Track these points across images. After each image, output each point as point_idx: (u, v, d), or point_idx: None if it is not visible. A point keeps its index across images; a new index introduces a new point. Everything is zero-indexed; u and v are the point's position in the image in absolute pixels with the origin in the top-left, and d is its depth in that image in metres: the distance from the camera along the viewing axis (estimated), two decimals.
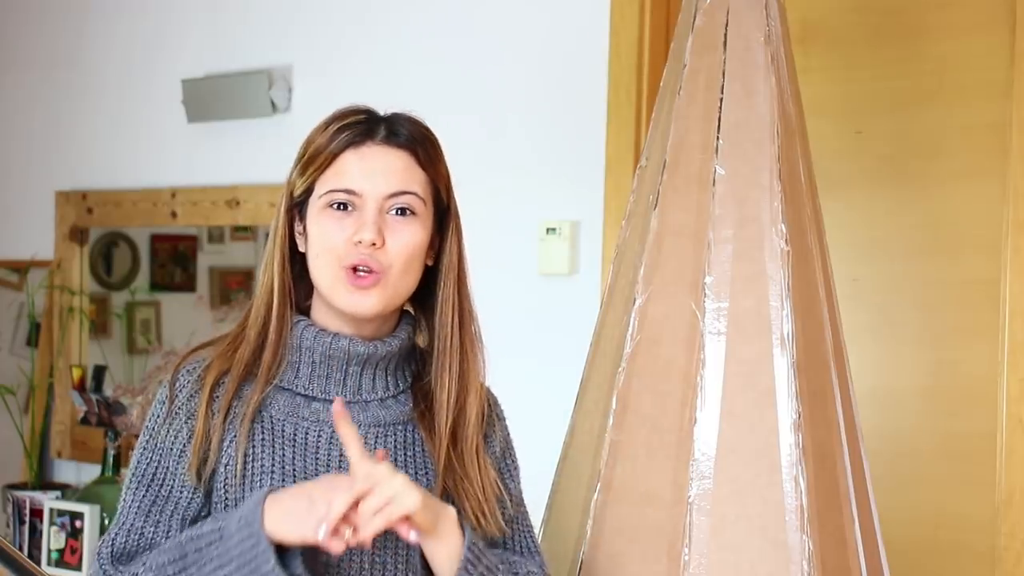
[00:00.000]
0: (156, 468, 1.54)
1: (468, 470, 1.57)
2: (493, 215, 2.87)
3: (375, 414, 1.59)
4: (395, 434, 1.59)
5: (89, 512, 3.05)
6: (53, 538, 3.10)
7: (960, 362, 2.44)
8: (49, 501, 3.16)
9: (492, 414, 1.67)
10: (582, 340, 2.03)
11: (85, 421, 3.50)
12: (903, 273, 2.51)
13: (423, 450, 1.60)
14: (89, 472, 3.49)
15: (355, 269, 1.52)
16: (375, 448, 1.56)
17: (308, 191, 1.57)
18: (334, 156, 1.54)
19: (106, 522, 3.10)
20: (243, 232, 3.38)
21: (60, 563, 3.08)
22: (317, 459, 1.54)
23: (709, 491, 1.73)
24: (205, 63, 3.39)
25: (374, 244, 1.51)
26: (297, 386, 1.57)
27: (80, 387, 3.56)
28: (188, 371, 1.57)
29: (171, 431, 1.54)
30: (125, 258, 3.65)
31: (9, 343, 3.82)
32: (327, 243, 1.53)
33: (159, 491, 1.53)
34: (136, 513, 1.53)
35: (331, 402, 1.55)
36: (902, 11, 2.52)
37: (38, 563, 3.10)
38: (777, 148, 1.82)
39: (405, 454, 1.59)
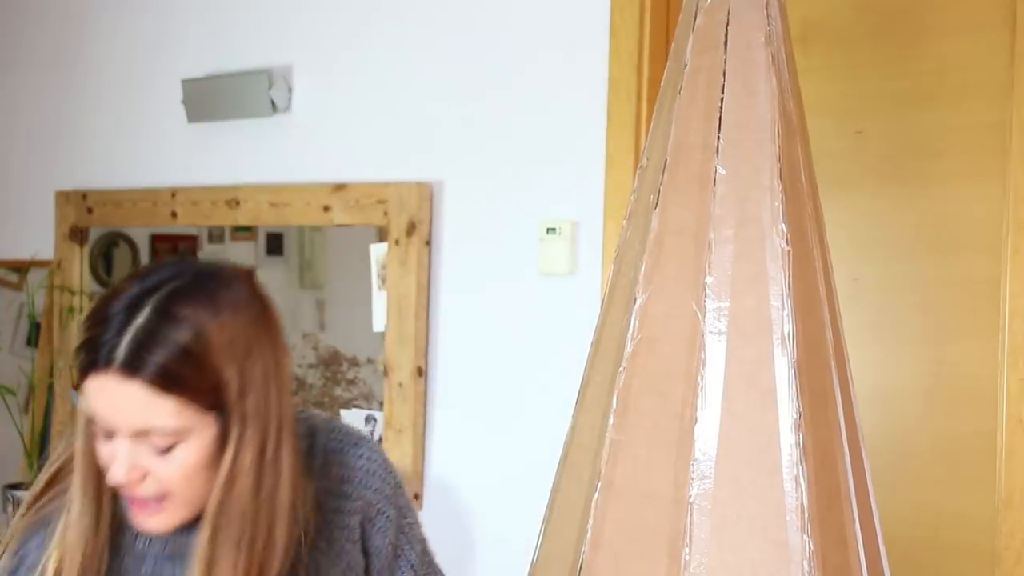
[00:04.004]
0: None
1: None
2: (493, 215, 2.88)
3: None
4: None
5: None
6: None
7: (960, 362, 2.44)
8: None
9: (366, 499, 1.57)
10: (582, 340, 2.03)
11: None
12: (903, 273, 2.51)
13: None
14: None
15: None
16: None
17: None
18: (81, 380, 1.35)
19: None
20: (243, 232, 3.38)
21: None
22: (134, 553, 1.46)
23: (710, 491, 1.73)
24: (205, 63, 3.39)
25: (129, 482, 1.36)
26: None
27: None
28: (33, 533, 1.46)
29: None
30: (125, 258, 3.64)
31: (9, 343, 3.82)
32: (104, 465, 1.39)
33: None
34: None
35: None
36: (902, 11, 2.52)
37: None
38: (778, 148, 1.82)
39: None
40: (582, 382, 1.97)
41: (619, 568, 1.78)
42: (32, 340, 3.74)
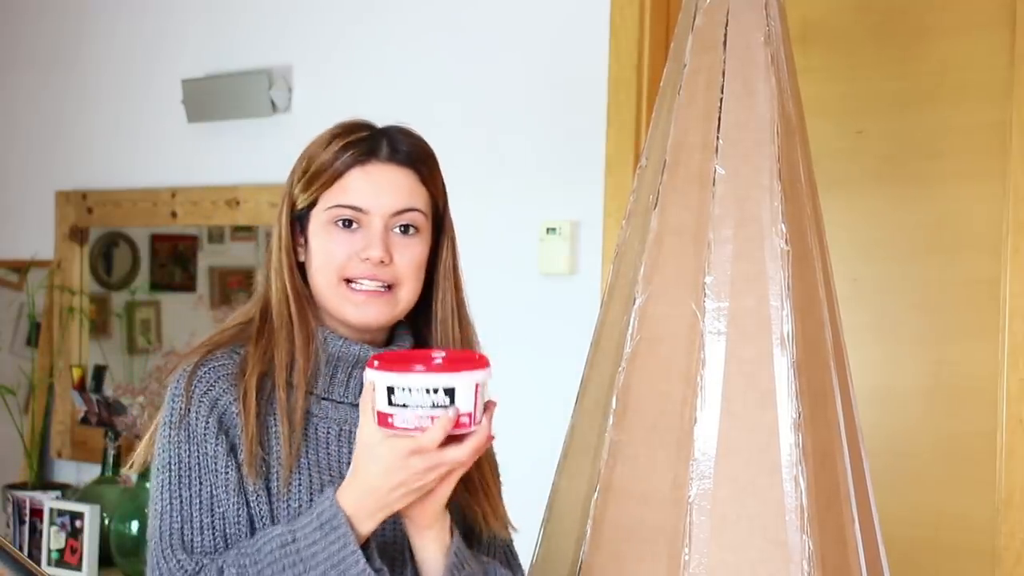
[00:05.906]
0: (199, 459, 1.52)
1: (474, 471, 1.58)
2: (493, 215, 2.87)
3: None
4: None
5: (89, 512, 3.05)
6: (53, 538, 3.10)
7: (960, 362, 2.43)
8: (49, 501, 3.15)
9: None
10: (582, 340, 2.03)
11: (85, 421, 3.49)
12: (903, 273, 2.50)
13: None
14: (89, 472, 3.49)
15: (351, 281, 1.56)
16: None
17: (311, 205, 1.60)
18: (340, 174, 1.57)
19: (107, 522, 3.09)
20: (243, 232, 3.38)
21: (60, 563, 3.08)
22: (329, 454, 1.56)
23: (709, 491, 1.73)
24: (205, 63, 3.39)
25: (382, 261, 1.55)
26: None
27: (80, 387, 3.56)
28: (210, 368, 1.56)
29: (199, 420, 1.52)
30: (125, 258, 3.64)
31: (9, 343, 3.82)
32: (329, 257, 1.56)
33: (214, 483, 1.52)
34: (200, 509, 1.51)
35: (338, 402, 1.58)
36: (902, 11, 2.52)
37: (38, 563, 3.10)
38: (777, 148, 1.82)
39: None
40: (582, 382, 1.97)
41: (619, 568, 1.78)
42: (32, 340, 3.74)
